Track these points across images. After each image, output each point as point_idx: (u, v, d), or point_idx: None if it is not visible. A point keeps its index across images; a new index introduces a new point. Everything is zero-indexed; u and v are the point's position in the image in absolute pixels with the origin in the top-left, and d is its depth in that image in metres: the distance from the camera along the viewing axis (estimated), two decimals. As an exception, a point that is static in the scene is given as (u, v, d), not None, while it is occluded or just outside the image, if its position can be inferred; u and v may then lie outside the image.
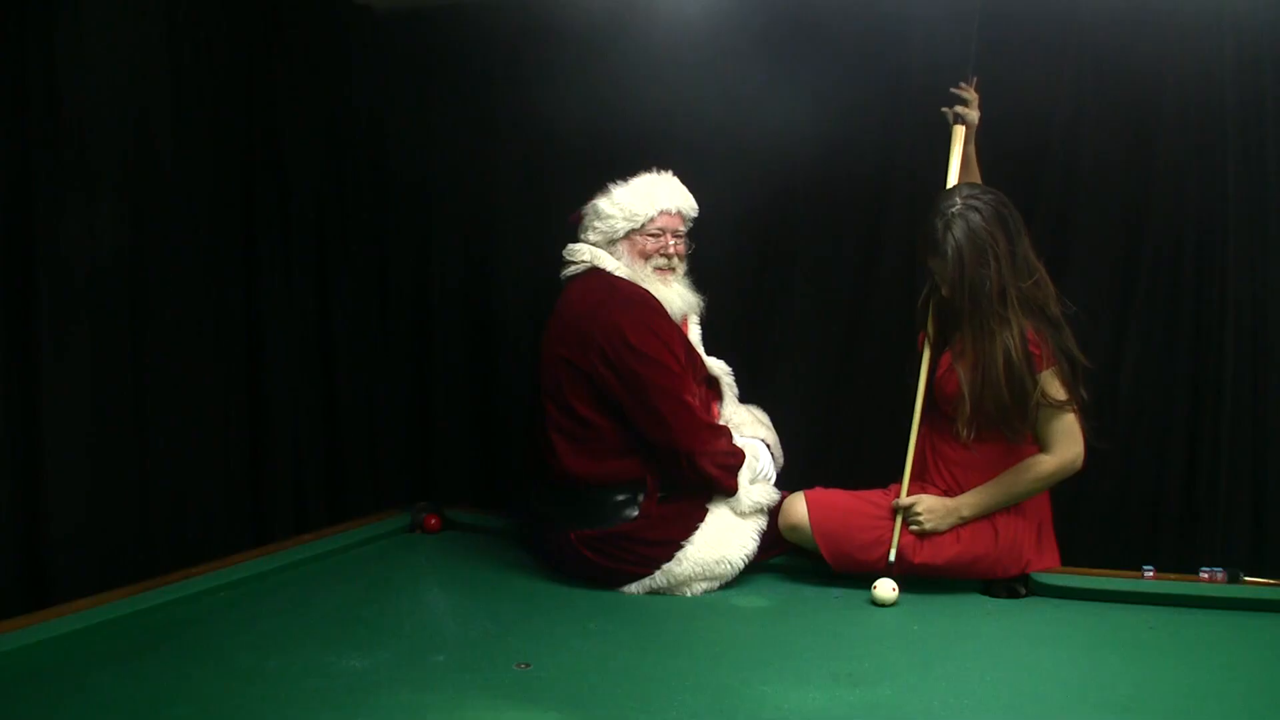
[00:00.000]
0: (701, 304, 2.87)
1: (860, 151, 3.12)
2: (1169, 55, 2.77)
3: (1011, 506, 2.55)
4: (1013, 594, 2.52)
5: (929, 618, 2.38)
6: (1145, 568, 2.52)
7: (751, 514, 2.66)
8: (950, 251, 2.48)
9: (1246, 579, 2.43)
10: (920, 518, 2.53)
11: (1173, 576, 2.50)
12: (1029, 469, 2.52)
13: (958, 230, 2.48)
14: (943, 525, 2.54)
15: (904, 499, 2.56)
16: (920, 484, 2.61)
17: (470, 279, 3.64)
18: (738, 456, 2.66)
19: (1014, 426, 2.50)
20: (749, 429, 2.83)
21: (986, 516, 2.54)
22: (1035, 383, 2.46)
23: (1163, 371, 2.85)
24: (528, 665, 2.08)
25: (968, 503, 2.54)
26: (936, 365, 2.61)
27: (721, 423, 2.78)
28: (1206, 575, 2.45)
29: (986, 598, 2.52)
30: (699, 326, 2.90)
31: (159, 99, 2.83)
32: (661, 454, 2.62)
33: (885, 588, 2.47)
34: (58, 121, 2.56)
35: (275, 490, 3.20)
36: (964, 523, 2.54)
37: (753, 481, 2.68)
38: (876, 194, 3.13)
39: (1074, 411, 2.50)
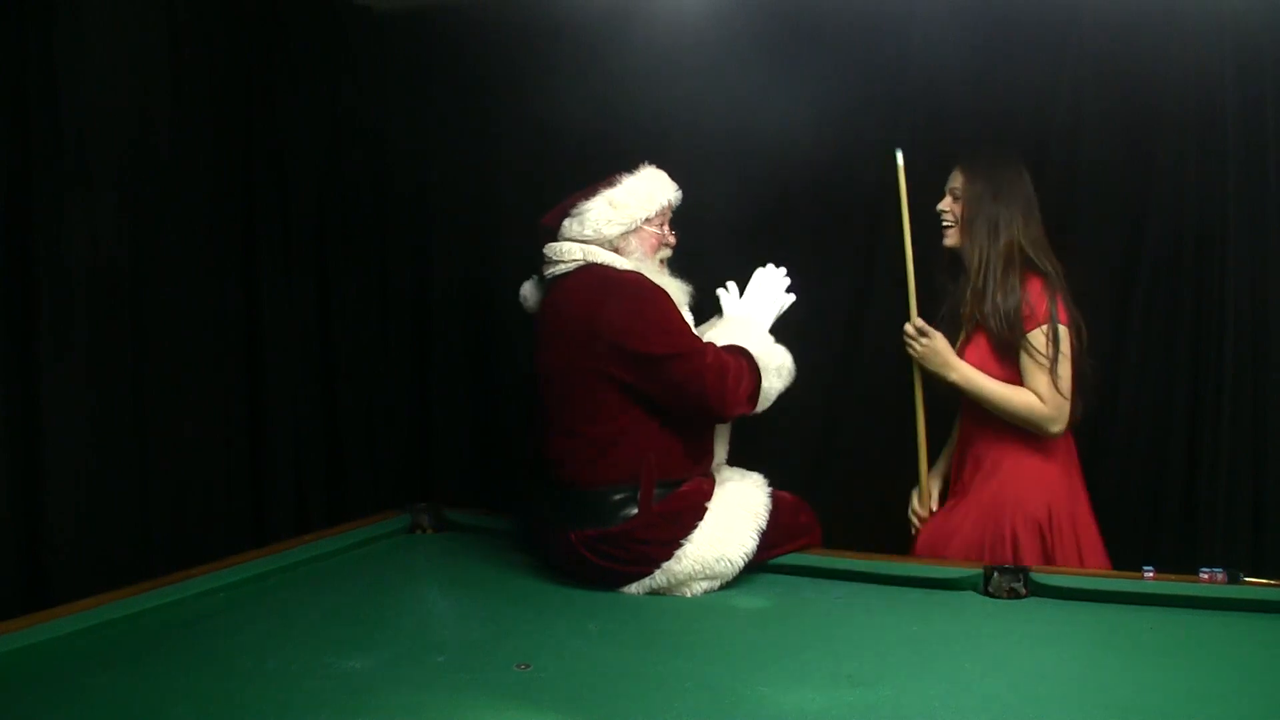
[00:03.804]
0: (691, 291, 2.85)
1: (860, 152, 3.12)
2: (1169, 56, 2.77)
3: (1008, 497, 2.58)
4: (1013, 594, 2.52)
5: (929, 618, 2.38)
6: (1145, 568, 2.52)
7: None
8: (964, 193, 2.59)
9: (1246, 579, 2.43)
10: (917, 343, 2.58)
11: (1173, 577, 2.49)
12: (1021, 395, 2.55)
13: (976, 176, 2.59)
14: (928, 363, 2.63)
15: (915, 322, 2.64)
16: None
17: (470, 279, 3.64)
18: (755, 378, 2.65)
19: (1007, 328, 2.53)
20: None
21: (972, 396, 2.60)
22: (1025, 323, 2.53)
23: (1163, 371, 2.85)
24: (528, 665, 2.08)
25: (961, 369, 2.61)
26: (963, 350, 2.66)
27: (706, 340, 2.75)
28: (1206, 575, 2.44)
29: (986, 598, 2.52)
30: (691, 313, 2.87)
31: (159, 99, 2.83)
32: (697, 423, 2.65)
33: None
34: (58, 121, 2.56)
35: (275, 490, 3.20)
36: (945, 379, 2.61)
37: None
38: (876, 194, 3.13)
39: (1068, 375, 2.54)
